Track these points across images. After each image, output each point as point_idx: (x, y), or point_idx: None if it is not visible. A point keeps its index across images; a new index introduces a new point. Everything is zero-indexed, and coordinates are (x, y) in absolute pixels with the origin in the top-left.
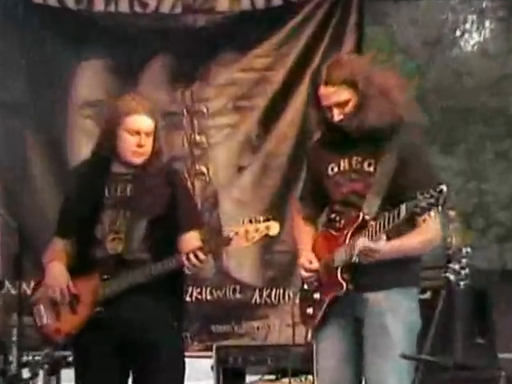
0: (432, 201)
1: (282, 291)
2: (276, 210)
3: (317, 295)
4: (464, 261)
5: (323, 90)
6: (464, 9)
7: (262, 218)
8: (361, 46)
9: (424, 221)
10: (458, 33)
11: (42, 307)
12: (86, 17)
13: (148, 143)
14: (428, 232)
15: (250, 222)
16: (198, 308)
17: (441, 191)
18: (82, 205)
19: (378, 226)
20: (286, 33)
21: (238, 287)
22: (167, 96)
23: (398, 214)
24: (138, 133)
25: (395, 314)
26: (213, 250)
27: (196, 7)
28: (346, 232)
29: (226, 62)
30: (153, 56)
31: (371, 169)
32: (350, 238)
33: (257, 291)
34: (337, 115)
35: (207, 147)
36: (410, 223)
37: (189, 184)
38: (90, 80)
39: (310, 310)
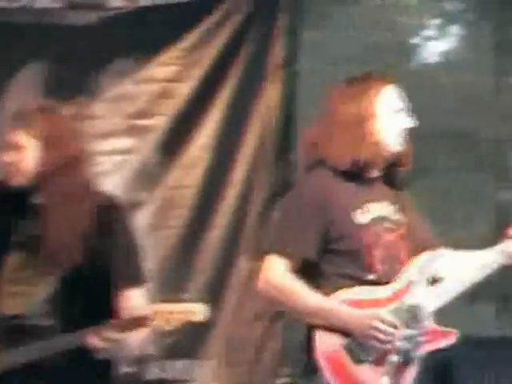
0: None
1: None
2: (183, 255)
3: (394, 358)
4: None
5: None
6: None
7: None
8: (295, 54)
9: None
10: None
11: None
12: None
13: (17, 158)
14: None
15: (174, 301)
16: None
17: None
18: None
19: None
20: (196, 36)
21: None
22: None
23: None
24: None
25: None
26: (125, 328)
27: (81, 0)
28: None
29: (118, 71)
30: (24, 62)
31: None
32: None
33: None
34: None
35: None
36: None
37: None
38: None
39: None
